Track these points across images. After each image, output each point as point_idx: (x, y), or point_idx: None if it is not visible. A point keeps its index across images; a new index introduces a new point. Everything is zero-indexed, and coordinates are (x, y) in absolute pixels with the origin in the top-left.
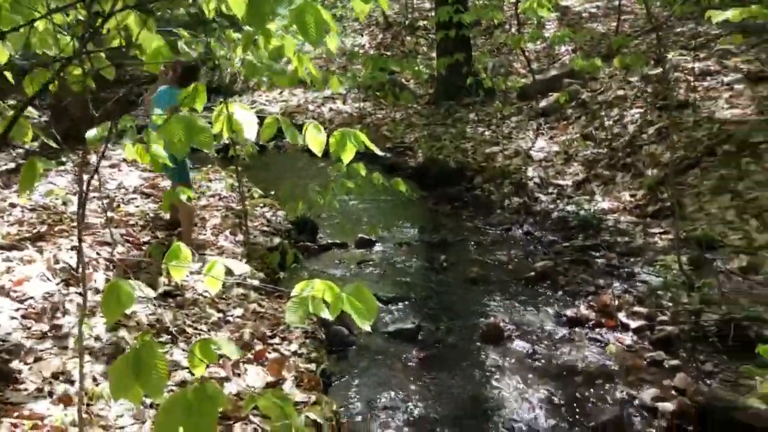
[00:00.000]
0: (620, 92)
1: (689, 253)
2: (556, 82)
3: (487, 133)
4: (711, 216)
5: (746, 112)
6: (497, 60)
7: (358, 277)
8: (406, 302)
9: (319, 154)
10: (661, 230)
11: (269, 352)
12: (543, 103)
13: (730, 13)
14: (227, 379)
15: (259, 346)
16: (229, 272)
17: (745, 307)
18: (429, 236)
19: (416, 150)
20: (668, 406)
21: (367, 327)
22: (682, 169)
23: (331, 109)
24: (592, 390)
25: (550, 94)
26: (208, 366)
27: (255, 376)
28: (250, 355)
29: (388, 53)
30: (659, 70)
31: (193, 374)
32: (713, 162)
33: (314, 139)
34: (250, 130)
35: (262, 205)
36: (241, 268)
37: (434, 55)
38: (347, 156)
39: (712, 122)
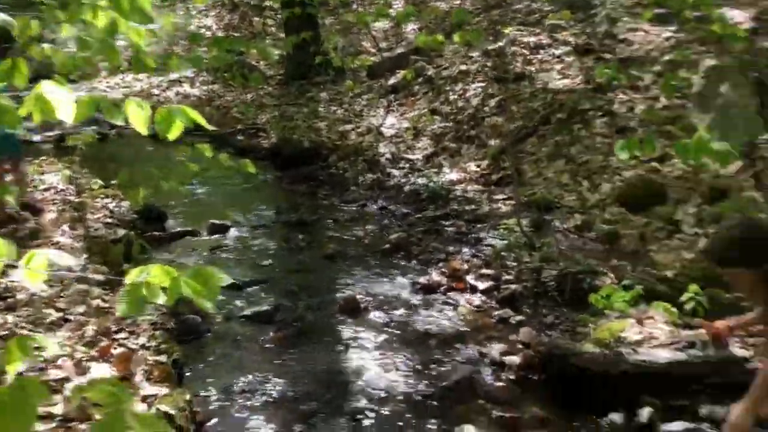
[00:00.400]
0: (463, 67)
1: (530, 216)
2: (403, 59)
3: (339, 111)
4: (548, 180)
5: (575, 82)
6: (347, 39)
7: (212, 263)
8: (264, 284)
9: (144, 132)
10: (505, 196)
11: (115, 348)
12: (392, 81)
13: None
14: (68, 379)
15: (103, 343)
16: (68, 268)
17: (580, 262)
18: (286, 217)
19: (269, 131)
20: (515, 359)
21: (209, 309)
22: (521, 138)
23: (177, 93)
24: (445, 351)
25: (398, 71)
26: (45, 368)
27: (100, 374)
28: (94, 353)
29: (237, 34)
30: (498, 45)
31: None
32: (548, 130)
33: (137, 115)
34: (63, 111)
35: (103, 196)
36: (66, 259)
37: (284, 35)
38: (174, 133)
39: (547, 92)
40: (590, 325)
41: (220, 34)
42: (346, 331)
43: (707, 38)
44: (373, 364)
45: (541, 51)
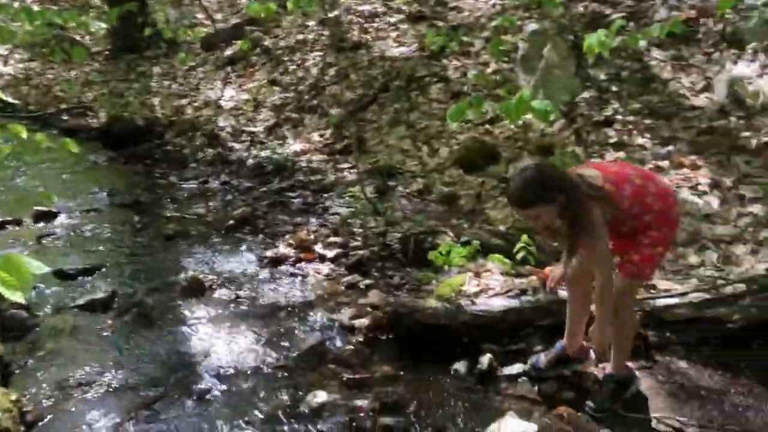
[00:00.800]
0: (300, 37)
1: (374, 182)
2: (239, 30)
3: (174, 85)
4: (390, 147)
5: (411, 50)
6: (178, 10)
7: (39, 254)
8: (98, 271)
9: None
10: (349, 165)
11: None
12: (228, 52)
13: None
14: None
15: None
16: None
17: (422, 224)
18: (120, 199)
19: (97, 110)
20: (364, 321)
21: (19, 299)
22: (362, 106)
23: None
24: (295, 322)
25: (234, 42)
26: None
27: None
28: None
29: (55, 7)
30: (334, 13)
31: None
32: (388, 97)
33: None
34: None
35: None
36: None
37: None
38: None
39: (384, 60)
40: (433, 281)
41: (36, 7)
42: (191, 312)
43: (529, 5)
44: (221, 342)
45: (377, 19)
